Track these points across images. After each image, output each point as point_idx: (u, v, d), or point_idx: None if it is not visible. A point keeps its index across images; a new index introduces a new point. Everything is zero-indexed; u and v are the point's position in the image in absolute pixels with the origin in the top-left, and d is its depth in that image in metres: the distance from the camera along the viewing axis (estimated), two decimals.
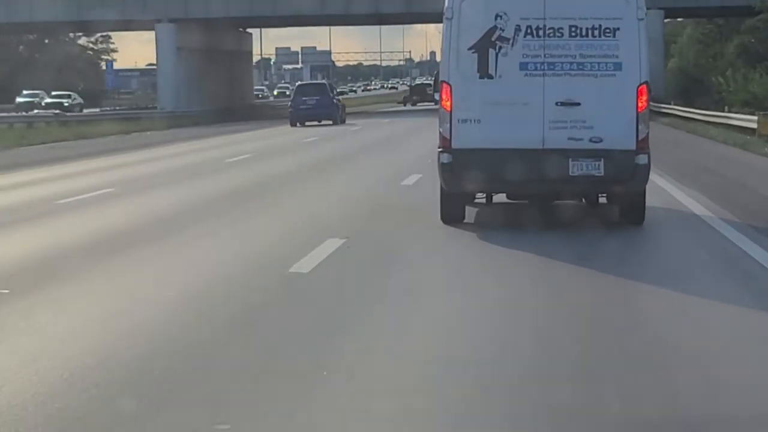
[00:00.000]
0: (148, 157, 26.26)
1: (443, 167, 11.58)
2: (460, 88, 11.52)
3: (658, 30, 51.40)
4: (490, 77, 11.48)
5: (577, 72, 11.35)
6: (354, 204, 14.78)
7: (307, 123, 43.29)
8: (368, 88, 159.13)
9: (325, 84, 48.07)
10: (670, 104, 42.56)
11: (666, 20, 55.56)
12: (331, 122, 43.37)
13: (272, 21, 65.53)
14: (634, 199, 11.72)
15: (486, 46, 11.46)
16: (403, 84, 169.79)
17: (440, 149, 11.64)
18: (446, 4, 11.53)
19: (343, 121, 44.52)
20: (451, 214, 12.02)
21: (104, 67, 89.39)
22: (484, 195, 12.83)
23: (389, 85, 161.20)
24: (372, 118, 52.36)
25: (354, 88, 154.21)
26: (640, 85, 11.35)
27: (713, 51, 53.88)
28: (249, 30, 70.33)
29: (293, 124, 43.19)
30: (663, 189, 15.16)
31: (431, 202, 12.55)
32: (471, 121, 11.54)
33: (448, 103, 11.54)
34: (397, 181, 17.17)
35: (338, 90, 58.04)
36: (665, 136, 29.03)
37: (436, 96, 11.97)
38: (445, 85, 11.58)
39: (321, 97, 43.56)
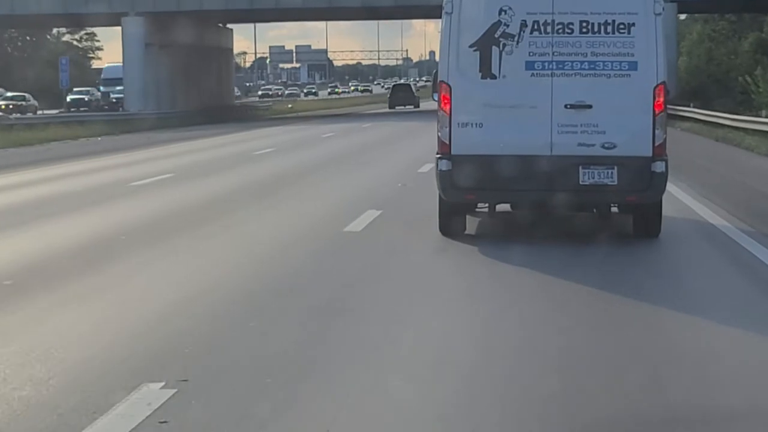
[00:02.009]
0: (43, 177, 22.25)
1: (442, 175, 11.62)
2: (460, 89, 11.57)
3: (671, 25, 51.65)
4: (494, 77, 11.52)
5: (589, 72, 11.39)
6: (233, 289, 9.39)
7: (397, 107, 72.33)
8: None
9: (409, 84, 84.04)
10: (689, 106, 41.65)
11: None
12: (412, 106, 72.08)
13: (251, 15, 65.72)
14: (649, 210, 11.78)
15: (489, 43, 11.50)
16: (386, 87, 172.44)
17: (438, 155, 11.68)
18: None
19: (418, 106, 71.38)
20: (450, 226, 12.06)
21: (93, 66, 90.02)
22: (487, 204, 12.78)
23: (362, 87, 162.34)
24: (354, 121, 52.61)
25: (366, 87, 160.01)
26: (657, 86, 11.40)
27: (727, 48, 54.18)
28: (230, 25, 70.71)
29: (391, 108, 72.12)
30: (728, 237, 12.08)
31: (381, 270, 10.31)
32: (472, 124, 11.58)
33: (448, 106, 11.58)
34: (338, 225, 13.10)
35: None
36: (692, 146, 27.91)
37: (435, 97, 12.02)
38: (444, 85, 11.62)
39: (407, 92, 76.03)
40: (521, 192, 11.71)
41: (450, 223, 12.07)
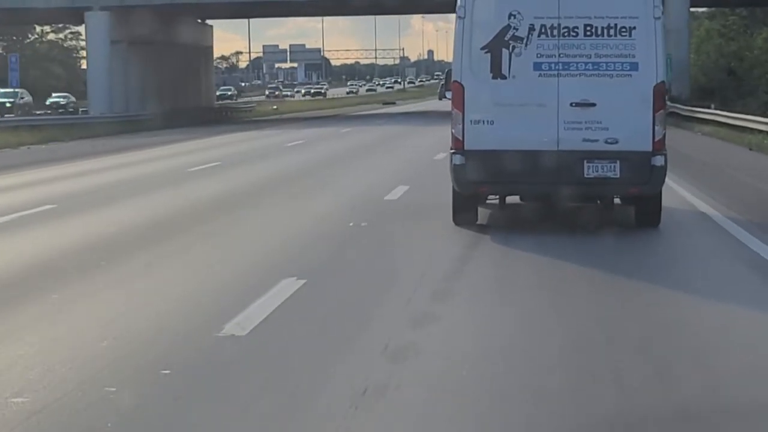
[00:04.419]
0: None
1: (456, 169, 14.04)
2: (472, 89, 13.99)
3: (683, 19, 53.10)
4: (504, 77, 13.94)
5: (593, 72, 13.80)
6: None
7: (443, 99, 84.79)
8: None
9: None
10: (710, 107, 41.95)
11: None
12: None
13: (229, 9, 67.21)
14: (650, 201, 14.22)
15: (499, 45, 13.93)
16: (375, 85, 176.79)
17: (453, 150, 14.09)
18: (458, 2, 13.97)
19: None
20: (463, 216, 14.48)
21: (83, 66, 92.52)
22: (497, 197, 15.29)
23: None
24: (335, 125, 53.87)
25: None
26: (657, 85, 13.82)
27: (739, 44, 56.18)
28: (224, 23, 72.98)
29: (440, 99, 78.38)
30: None
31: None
32: (484, 122, 14.01)
33: (461, 104, 14.01)
34: (216, 320, 8.97)
35: None
36: (723, 157, 26.78)
37: (447, 95, 14.52)
38: (457, 85, 14.05)
39: None
40: (530, 185, 14.15)
41: (463, 214, 14.48)
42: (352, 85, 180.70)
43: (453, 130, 14.14)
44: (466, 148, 14.03)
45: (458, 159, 14.06)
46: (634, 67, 13.85)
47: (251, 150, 35.06)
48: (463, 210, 14.54)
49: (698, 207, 16.54)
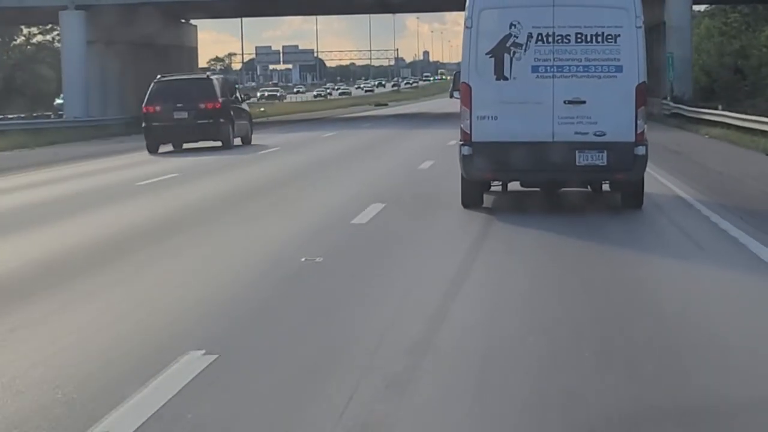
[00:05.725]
0: None
1: (464, 158, 17.56)
2: (478, 89, 17.48)
3: (685, 18, 55.28)
4: (506, 79, 17.41)
5: (583, 74, 17.24)
6: None
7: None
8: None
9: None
10: (717, 108, 42.20)
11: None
12: None
13: (214, 7, 68.52)
14: (633, 186, 17.71)
15: (502, 51, 17.39)
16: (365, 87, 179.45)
17: (461, 142, 17.61)
18: (466, 14, 17.52)
19: None
20: (471, 200, 18.04)
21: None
22: (500, 183, 18.87)
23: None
24: (319, 129, 54.89)
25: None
26: (639, 85, 17.25)
27: (741, 42, 58.53)
28: (217, 23, 75.51)
29: (451, 96, 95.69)
30: None
31: None
32: (488, 117, 17.47)
33: (469, 102, 17.51)
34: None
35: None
36: (739, 166, 25.99)
37: (455, 94, 18.22)
38: (465, 85, 17.56)
39: None
40: (529, 172, 17.66)
41: (470, 198, 18.03)
42: (325, 87, 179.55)
43: (462, 125, 17.62)
44: (473, 140, 17.52)
45: (467, 150, 17.60)
46: (619, 69, 17.26)
47: (218, 159, 33.57)
48: (470, 194, 18.09)
49: (729, 231, 15.20)
